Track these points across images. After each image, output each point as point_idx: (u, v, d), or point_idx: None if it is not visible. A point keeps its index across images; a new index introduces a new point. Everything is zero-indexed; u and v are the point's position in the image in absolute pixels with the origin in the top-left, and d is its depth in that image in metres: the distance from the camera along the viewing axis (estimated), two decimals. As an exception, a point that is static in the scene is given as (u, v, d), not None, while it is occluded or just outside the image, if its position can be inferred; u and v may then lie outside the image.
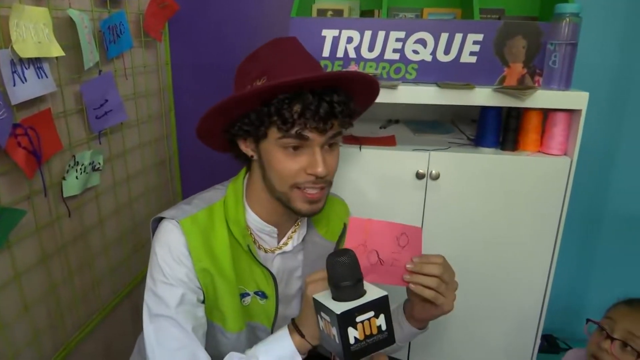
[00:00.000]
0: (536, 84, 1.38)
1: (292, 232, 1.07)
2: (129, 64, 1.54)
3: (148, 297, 0.94)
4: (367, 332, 0.75)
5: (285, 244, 1.06)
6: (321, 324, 0.80)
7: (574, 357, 1.28)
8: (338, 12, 1.68)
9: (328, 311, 0.75)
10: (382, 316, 0.76)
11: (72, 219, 1.31)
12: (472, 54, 1.37)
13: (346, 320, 0.73)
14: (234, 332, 1.00)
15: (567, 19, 1.29)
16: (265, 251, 1.04)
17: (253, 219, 1.02)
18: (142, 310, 0.95)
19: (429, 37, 1.36)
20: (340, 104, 0.90)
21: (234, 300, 0.99)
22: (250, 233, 1.03)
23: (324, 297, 0.79)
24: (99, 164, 1.37)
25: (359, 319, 0.74)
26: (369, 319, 0.75)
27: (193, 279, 0.95)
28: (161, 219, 0.99)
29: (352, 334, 0.73)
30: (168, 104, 1.88)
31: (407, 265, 0.89)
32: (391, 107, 1.46)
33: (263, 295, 1.02)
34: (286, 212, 1.00)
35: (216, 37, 1.85)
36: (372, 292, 0.77)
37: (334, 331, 0.75)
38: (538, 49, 1.36)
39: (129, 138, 1.59)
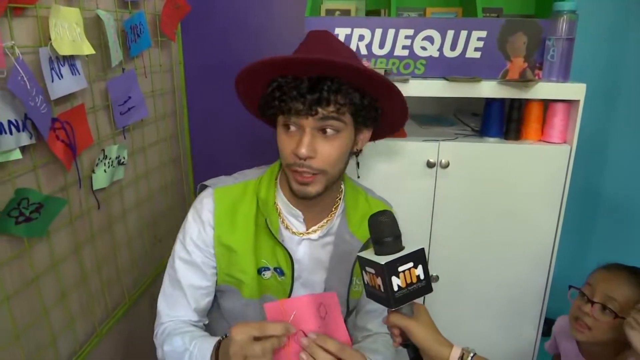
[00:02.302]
0: (536, 77, 1.47)
1: (325, 223, 1.12)
2: (147, 63, 1.60)
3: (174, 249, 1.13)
4: (408, 281, 0.83)
5: (314, 231, 1.11)
6: (366, 278, 0.88)
7: (564, 322, 1.39)
8: (345, 12, 1.76)
9: (373, 264, 0.84)
10: (420, 267, 0.84)
11: (101, 211, 1.36)
12: (476, 49, 1.45)
13: (390, 270, 0.82)
14: (248, 298, 1.09)
15: (565, 16, 1.38)
16: (293, 233, 1.11)
17: (282, 200, 1.11)
18: None
19: (436, 35, 1.45)
20: (329, 91, 0.92)
21: (249, 271, 1.07)
22: (280, 213, 1.10)
23: (368, 254, 0.87)
24: (124, 158, 1.43)
25: (400, 269, 0.82)
26: (409, 269, 0.83)
27: (207, 243, 1.08)
28: (205, 186, 1.12)
29: (396, 282, 0.82)
30: (181, 102, 1.94)
31: (302, 341, 0.84)
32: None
33: (281, 273, 1.09)
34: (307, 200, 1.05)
35: (226, 38, 1.91)
36: (410, 246, 0.85)
37: (379, 281, 0.83)
38: (538, 44, 1.45)
39: (148, 134, 1.65)
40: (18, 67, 0.98)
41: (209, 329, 1.18)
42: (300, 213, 1.10)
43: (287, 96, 0.94)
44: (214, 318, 1.21)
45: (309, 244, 1.12)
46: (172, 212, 1.88)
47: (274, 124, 1.06)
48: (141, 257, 1.65)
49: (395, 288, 0.82)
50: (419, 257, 0.84)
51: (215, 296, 1.16)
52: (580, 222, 2.00)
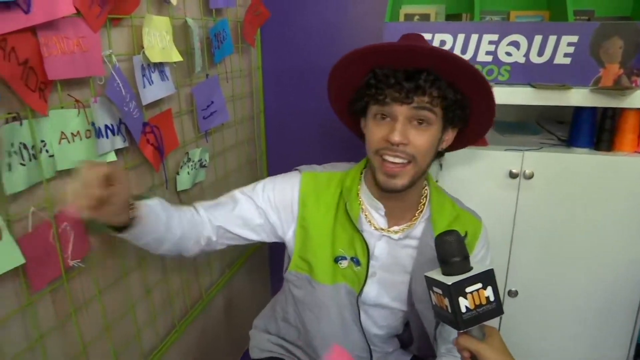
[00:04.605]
0: (634, 84, 1.37)
1: (406, 225, 1.12)
2: (229, 68, 1.65)
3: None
4: (477, 302, 0.81)
5: (396, 232, 1.12)
6: (433, 298, 0.86)
7: None
8: (425, 16, 1.73)
9: (440, 284, 0.83)
10: (489, 288, 0.82)
11: (183, 211, 1.42)
12: (566, 55, 1.38)
13: (457, 290, 0.80)
14: (322, 283, 1.11)
15: (670, 18, 1.28)
16: (374, 227, 1.12)
17: (365, 192, 1.14)
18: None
19: (522, 40, 1.39)
20: (426, 80, 0.96)
21: (322, 256, 1.11)
22: (362, 205, 1.13)
23: (435, 274, 0.86)
24: (206, 161, 1.48)
25: (468, 289, 0.81)
26: (477, 290, 0.81)
27: (286, 209, 1.14)
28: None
29: (463, 303, 0.80)
30: (259, 107, 1.98)
31: None
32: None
33: (357, 262, 1.11)
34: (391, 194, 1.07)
35: (304, 43, 1.94)
36: (479, 267, 0.83)
37: (447, 302, 0.82)
38: (636, 49, 1.35)
39: (228, 137, 1.70)
40: (115, 74, 1.04)
41: (281, 309, 1.28)
42: (381, 205, 1.12)
43: (384, 84, 0.98)
44: (285, 304, 1.26)
45: (388, 242, 1.13)
46: (247, 213, 1.92)
47: (355, 125, 1.15)
48: (217, 257, 1.70)
49: (463, 309, 0.80)
50: (488, 278, 0.82)
51: (289, 286, 1.21)
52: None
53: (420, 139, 1.00)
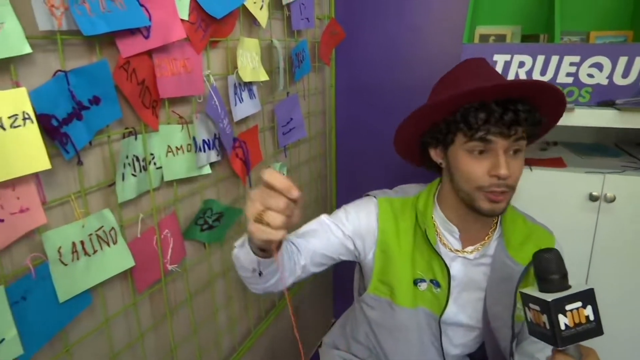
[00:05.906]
0: None
1: (480, 244, 1.13)
2: (306, 86, 1.71)
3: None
4: (577, 321, 0.80)
5: (471, 252, 1.13)
6: (529, 315, 0.86)
7: None
8: (500, 37, 1.74)
9: (538, 301, 0.82)
10: (589, 307, 0.81)
11: (262, 223, 1.48)
12: (653, 76, 1.35)
13: (557, 307, 0.80)
14: (404, 306, 1.12)
15: None
16: (450, 250, 1.13)
17: (439, 216, 1.14)
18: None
19: (605, 61, 1.37)
20: (524, 112, 0.97)
21: (404, 278, 1.12)
22: (436, 230, 1.14)
23: (532, 290, 0.86)
24: (284, 174, 1.54)
25: (568, 307, 0.80)
26: (577, 309, 0.80)
27: (365, 238, 1.14)
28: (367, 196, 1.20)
29: (563, 320, 0.80)
30: (330, 123, 2.04)
31: None
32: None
33: (437, 285, 1.12)
34: (469, 215, 1.08)
35: (376, 62, 1.98)
36: (578, 286, 0.82)
37: (544, 319, 0.81)
38: None
39: (303, 153, 1.76)
40: (212, 93, 1.11)
41: (351, 329, 1.30)
42: (456, 229, 1.12)
43: (483, 120, 0.97)
44: (355, 324, 1.28)
45: (464, 262, 1.14)
46: (316, 227, 1.98)
47: (420, 158, 1.16)
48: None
49: (562, 327, 0.80)
50: (588, 297, 0.81)
51: (362, 307, 1.22)
52: None
53: (518, 168, 1.01)
